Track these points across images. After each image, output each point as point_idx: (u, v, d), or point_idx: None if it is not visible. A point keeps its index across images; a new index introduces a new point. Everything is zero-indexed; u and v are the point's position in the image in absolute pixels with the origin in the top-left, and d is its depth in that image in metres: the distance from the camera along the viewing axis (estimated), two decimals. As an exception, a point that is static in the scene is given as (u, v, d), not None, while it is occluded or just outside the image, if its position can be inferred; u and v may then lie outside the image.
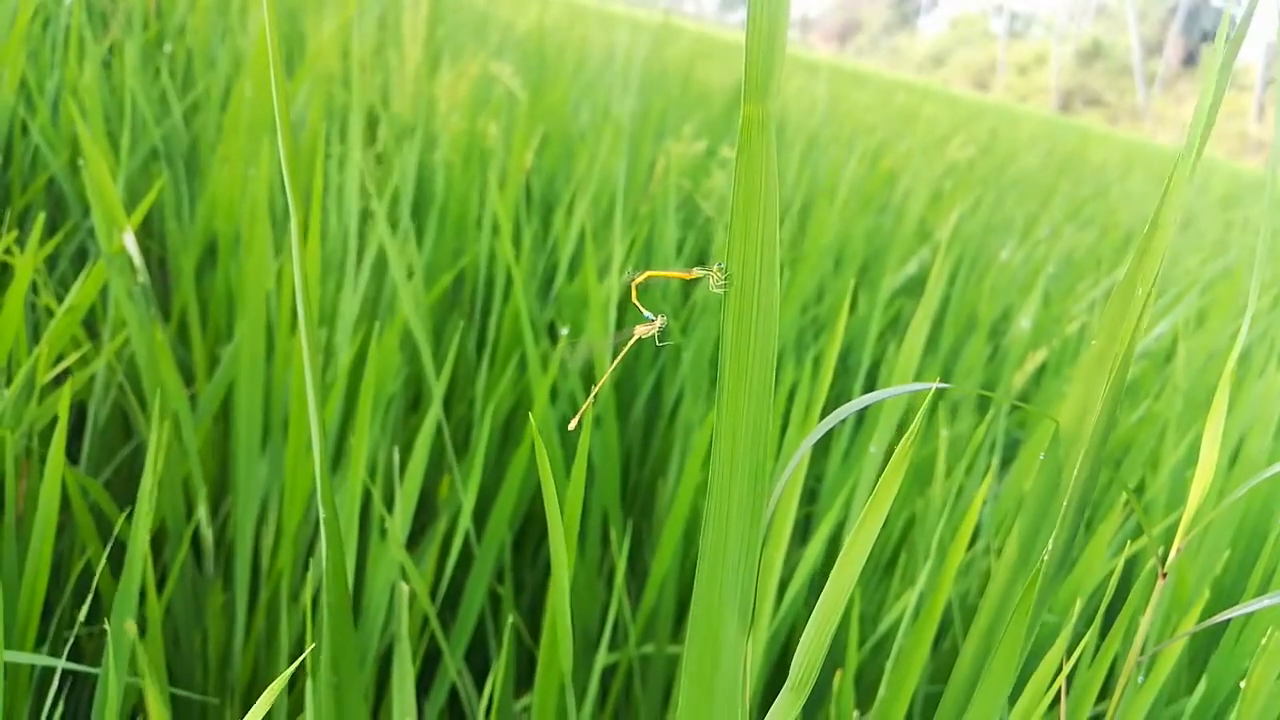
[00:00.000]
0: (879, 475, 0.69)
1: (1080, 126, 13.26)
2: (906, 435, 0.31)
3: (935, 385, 0.37)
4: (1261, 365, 1.13)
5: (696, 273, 0.33)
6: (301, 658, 0.38)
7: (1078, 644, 0.63)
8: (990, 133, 4.81)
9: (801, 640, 0.34)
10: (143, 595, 0.81)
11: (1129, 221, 3.23)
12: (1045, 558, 0.34)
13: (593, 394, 0.36)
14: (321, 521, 0.41)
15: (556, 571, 0.39)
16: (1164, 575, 0.42)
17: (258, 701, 0.35)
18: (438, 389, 0.82)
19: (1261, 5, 0.40)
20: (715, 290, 0.31)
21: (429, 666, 1.01)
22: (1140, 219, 3.37)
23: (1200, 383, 1.37)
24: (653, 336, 0.36)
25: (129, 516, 0.82)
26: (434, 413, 0.80)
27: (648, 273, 0.36)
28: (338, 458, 0.90)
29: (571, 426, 0.36)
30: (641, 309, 0.36)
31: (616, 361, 0.39)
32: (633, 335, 0.36)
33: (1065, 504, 0.35)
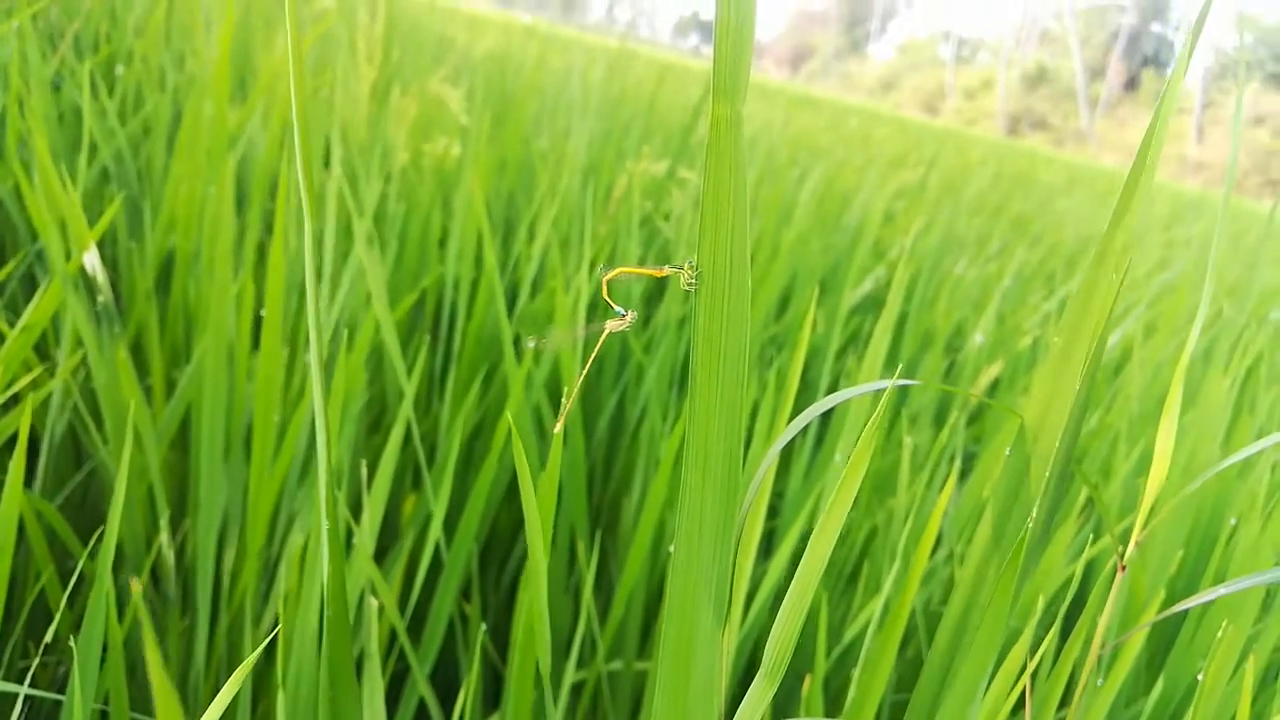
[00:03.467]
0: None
1: (1027, 149, 13.56)
2: (871, 420, 0.32)
3: (899, 383, 0.38)
4: (1204, 377, 1.16)
5: (668, 270, 0.34)
6: (256, 652, 0.37)
7: (1038, 648, 0.64)
8: (940, 155, 4.90)
9: (774, 626, 0.35)
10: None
11: (1075, 239, 3.30)
12: (1029, 525, 0.35)
13: (574, 390, 0.37)
14: (323, 534, 0.41)
15: (533, 556, 0.39)
16: (1123, 568, 0.44)
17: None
18: (408, 392, 0.82)
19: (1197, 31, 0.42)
20: (686, 288, 0.31)
21: (393, 687, 1.00)
22: (1084, 237, 3.45)
23: (1149, 393, 1.40)
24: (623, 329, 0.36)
25: (94, 542, 0.80)
26: (401, 422, 0.80)
27: (619, 269, 0.36)
28: (303, 474, 0.90)
29: (556, 430, 0.36)
30: (612, 304, 0.37)
31: (591, 358, 0.39)
32: (604, 330, 0.36)
33: (1046, 477, 0.36)
